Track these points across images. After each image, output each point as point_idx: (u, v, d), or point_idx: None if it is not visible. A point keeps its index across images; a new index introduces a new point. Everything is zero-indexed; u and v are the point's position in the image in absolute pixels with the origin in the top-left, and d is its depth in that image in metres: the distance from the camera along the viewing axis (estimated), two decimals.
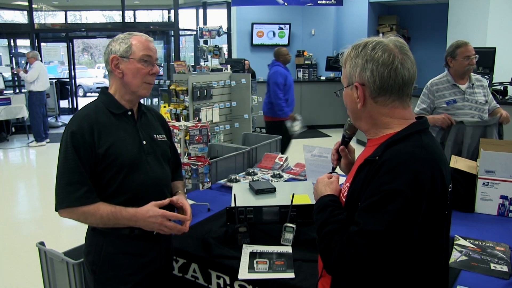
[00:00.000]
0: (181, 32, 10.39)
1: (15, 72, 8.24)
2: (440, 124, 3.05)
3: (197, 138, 2.29)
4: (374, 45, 1.12)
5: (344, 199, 1.20)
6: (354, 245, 1.01)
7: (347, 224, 1.08)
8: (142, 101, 1.68)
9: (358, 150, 1.30)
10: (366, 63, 1.11)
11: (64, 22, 12.43)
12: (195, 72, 4.91)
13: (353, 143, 1.45)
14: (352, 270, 1.03)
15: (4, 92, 8.37)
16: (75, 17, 16.68)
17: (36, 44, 9.78)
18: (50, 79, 9.05)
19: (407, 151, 1.05)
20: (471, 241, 1.82)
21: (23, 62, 8.90)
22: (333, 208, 1.16)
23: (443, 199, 1.08)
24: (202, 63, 5.56)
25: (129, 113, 1.59)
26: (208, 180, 2.37)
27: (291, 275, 1.57)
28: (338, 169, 1.48)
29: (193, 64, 5.60)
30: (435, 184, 1.04)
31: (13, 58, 8.76)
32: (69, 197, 1.45)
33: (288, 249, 1.75)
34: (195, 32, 9.89)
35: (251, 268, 1.62)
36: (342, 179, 1.35)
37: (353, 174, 1.17)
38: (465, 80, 3.11)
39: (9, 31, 10.87)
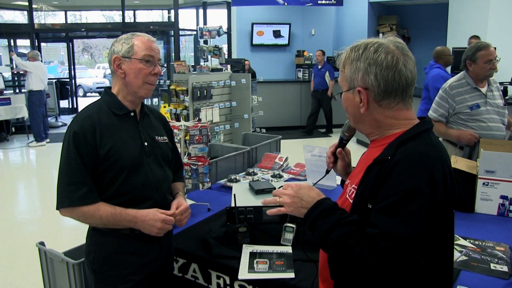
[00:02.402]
0: (181, 32, 10.40)
1: (11, 57, 8.21)
2: (466, 142, 2.84)
3: (197, 138, 2.29)
4: (376, 48, 1.10)
5: (351, 201, 1.17)
6: (377, 248, 0.98)
7: (360, 226, 1.05)
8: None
9: (358, 151, 1.30)
10: (369, 67, 1.09)
11: (64, 22, 12.44)
12: (195, 72, 4.91)
13: (353, 144, 1.45)
14: (375, 273, 0.99)
15: (4, 92, 8.36)
16: (75, 17, 16.69)
17: (36, 44, 9.78)
18: (50, 79, 9.05)
19: (421, 149, 1.05)
20: (471, 241, 1.82)
21: None
22: (342, 211, 1.12)
23: (452, 197, 1.08)
24: (202, 63, 5.57)
25: (132, 114, 1.60)
26: (208, 180, 2.37)
27: (291, 275, 1.57)
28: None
29: (193, 64, 5.61)
30: (446, 182, 1.04)
31: (11, 57, 8.76)
32: (70, 196, 1.45)
33: (288, 249, 1.75)
34: (195, 32, 9.89)
35: (251, 268, 1.62)
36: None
37: (360, 175, 1.15)
38: (485, 83, 2.91)
39: (9, 31, 10.88)
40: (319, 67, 8.17)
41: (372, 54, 1.09)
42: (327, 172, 1.47)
